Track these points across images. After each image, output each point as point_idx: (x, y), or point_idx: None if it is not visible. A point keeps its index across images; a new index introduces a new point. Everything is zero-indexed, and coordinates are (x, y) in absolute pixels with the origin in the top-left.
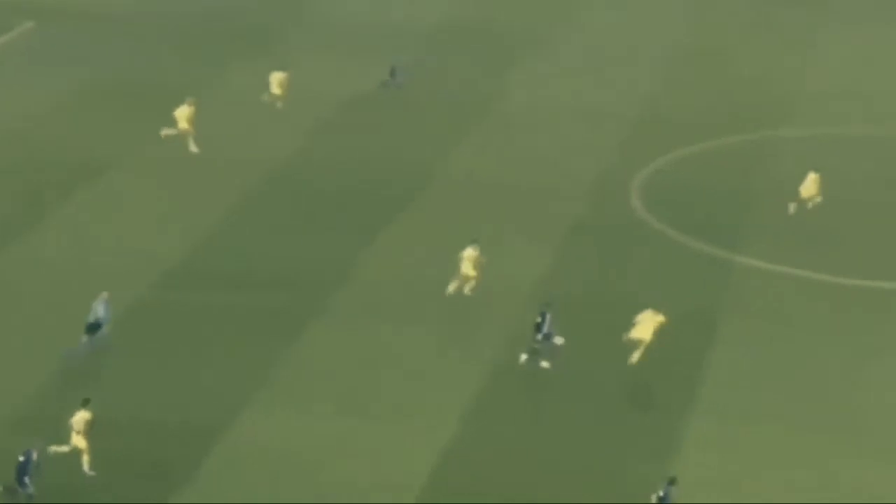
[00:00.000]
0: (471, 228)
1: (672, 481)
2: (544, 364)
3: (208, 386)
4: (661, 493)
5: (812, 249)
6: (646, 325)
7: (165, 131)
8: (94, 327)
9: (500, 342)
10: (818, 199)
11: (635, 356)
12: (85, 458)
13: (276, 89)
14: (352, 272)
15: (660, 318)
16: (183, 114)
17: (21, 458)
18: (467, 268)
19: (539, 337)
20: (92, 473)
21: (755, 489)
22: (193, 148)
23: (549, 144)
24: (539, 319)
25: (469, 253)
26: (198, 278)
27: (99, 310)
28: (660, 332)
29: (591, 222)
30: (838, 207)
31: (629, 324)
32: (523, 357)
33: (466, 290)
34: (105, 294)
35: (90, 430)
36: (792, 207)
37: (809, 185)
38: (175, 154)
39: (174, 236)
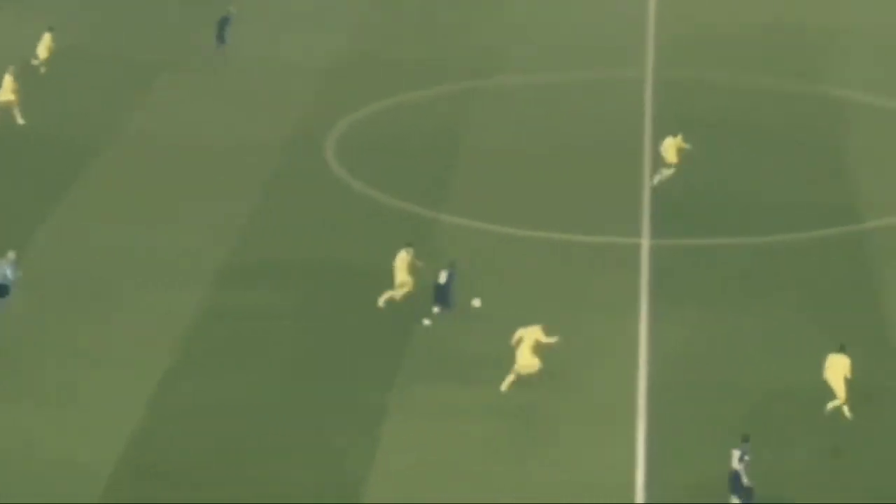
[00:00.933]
0: (160, 193)
1: (746, 438)
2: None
3: None
4: (740, 452)
5: (518, 204)
6: (526, 348)
7: None
8: (2, 289)
9: (188, 320)
10: (673, 166)
11: (504, 384)
12: None
13: (43, 53)
14: (27, 249)
15: (538, 336)
16: (7, 84)
17: None
18: (402, 274)
19: (447, 296)
20: None
21: (458, 450)
22: (20, 120)
23: (241, 99)
24: (443, 281)
25: (402, 256)
26: None
27: (7, 271)
28: None
29: (285, 181)
30: (545, 159)
31: (327, 286)
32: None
33: (398, 295)
34: (11, 254)
35: None
36: (656, 179)
37: (669, 151)
38: None
39: None
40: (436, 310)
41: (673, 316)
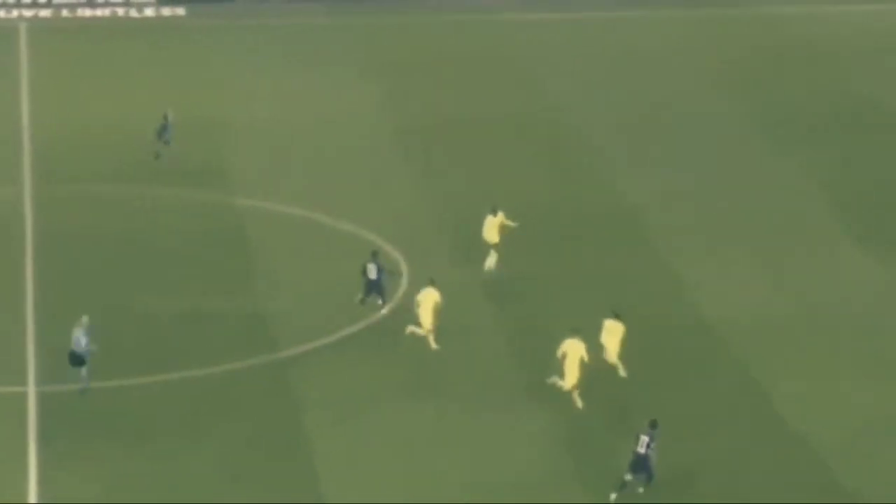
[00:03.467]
0: None
1: (654, 425)
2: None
3: None
4: (648, 438)
5: None
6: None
7: None
8: (77, 359)
9: None
10: (496, 246)
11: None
12: None
13: None
14: None
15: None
16: None
17: None
18: (427, 314)
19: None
20: None
21: None
22: None
23: None
24: (373, 276)
25: (431, 294)
26: None
27: (81, 339)
28: None
29: None
30: None
31: None
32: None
33: (432, 342)
34: (85, 319)
35: None
36: (486, 266)
37: (490, 231)
38: None
39: None
40: (360, 296)
41: (66, 464)
